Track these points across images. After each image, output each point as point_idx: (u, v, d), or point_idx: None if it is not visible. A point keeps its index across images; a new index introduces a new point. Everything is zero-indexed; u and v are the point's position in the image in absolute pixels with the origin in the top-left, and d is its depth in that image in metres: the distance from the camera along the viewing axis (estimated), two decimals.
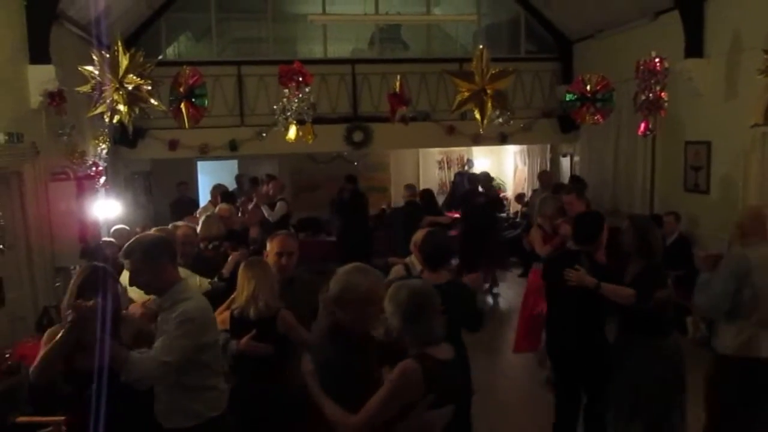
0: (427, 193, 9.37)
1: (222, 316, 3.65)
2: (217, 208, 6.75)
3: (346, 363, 2.61)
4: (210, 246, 5.49)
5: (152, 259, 2.91)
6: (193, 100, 6.19)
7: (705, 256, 4.11)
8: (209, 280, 4.50)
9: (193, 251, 4.77)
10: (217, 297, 4.19)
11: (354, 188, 10.17)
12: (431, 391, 2.46)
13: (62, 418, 3.91)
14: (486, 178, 9.83)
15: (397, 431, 2.48)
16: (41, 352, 2.85)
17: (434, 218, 8.49)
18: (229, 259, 4.71)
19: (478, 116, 6.02)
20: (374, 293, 2.62)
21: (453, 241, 3.91)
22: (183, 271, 4.02)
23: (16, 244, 5.76)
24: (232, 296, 3.80)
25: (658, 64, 6.14)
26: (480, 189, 9.65)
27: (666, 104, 6.26)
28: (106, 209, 7.31)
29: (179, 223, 5.08)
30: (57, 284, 6.33)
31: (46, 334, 3.03)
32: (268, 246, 4.00)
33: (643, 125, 6.53)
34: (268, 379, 3.57)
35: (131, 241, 3.06)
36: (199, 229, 5.78)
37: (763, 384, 3.80)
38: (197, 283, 4.34)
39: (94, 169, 7.11)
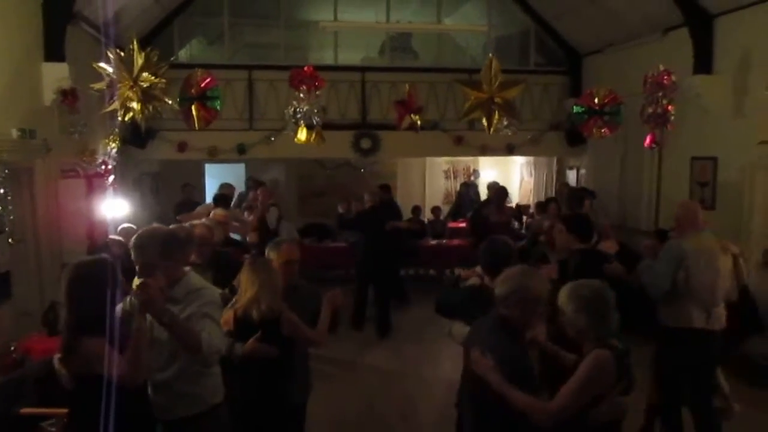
0: (387, 195, 9.30)
1: (226, 317, 3.59)
2: (212, 213, 6.44)
3: (517, 356, 2.81)
4: None
5: (168, 254, 3.01)
6: (206, 102, 6.26)
7: (647, 245, 5.10)
8: (221, 290, 4.41)
9: (208, 251, 4.67)
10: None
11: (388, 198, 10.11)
12: (621, 378, 2.65)
13: (66, 410, 3.95)
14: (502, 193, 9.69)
15: (590, 417, 2.63)
16: (127, 355, 2.61)
17: (396, 223, 8.49)
18: (243, 267, 4.63)
19: (485, 123, 6.07)
20: (542, 294, 2.85)
21: (513, 249, 3.81)
22: (196, 277, 3.80)
23: (25, 238, 5.83)
24: (235, 297, 3.77)
25: (665, 77, 6.18)
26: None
27: (672, 118, 6.29)
28: (114, 208, 7.35)
29: (195, 222, 4.99)
30: None
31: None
32: (272, 254, 3.93)
33: (649, 138, 6.57)
34: (272, 381, 3.58)
35: (142, 233, 3.09)
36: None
37: (697, 349, 4.49)
38: None
39: (103, 167, 7.17)
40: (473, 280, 3.90)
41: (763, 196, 6.80)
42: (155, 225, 3.42)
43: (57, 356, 2.92)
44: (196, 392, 3.04)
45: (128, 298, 3.06)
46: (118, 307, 2.88)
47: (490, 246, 3.81)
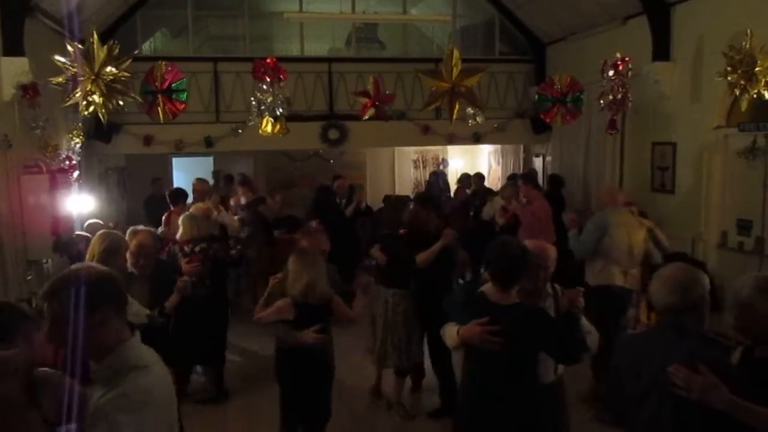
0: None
1: (281, 305, 4.02)
2: (193, 207, 6.41)
3: (725, 362, 2.52)
4: (197, 249, 5.45)
5: (87, 307, 1.95)
6: (173, 95, 6.22)
7: (571, 217, 6.04)
8: (148, 312, 3.96)
9: (150, 262, 4.31)
10: (151, 335, 3.58)
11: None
12: None
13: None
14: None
15: None
16: None
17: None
18: (173, 296, 4.22)
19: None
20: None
21: (528, 252, 3.18)
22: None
23: None
24: (275, 281, 4.20)
25: (620, 64, 6.36)
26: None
27: (630, 103, 6.48)
28: (80, 204, 7.29)
29: (140, 227, 4.54)
30: (29, 277, 6.32)
31: None
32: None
33: (609, 123, 6.77)
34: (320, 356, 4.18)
35: (57, 279, 2.04)
36: (180, 231, 5.63)
37: (616, 305, 5.37)
38: (134, 311, 3.78)
39: (67, 163, 7.10)
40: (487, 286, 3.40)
41: (719, 180, 7.01)
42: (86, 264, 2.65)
43: None
44: None
45: None
46: None
47: (500, 249, 3.11)
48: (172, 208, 6.92)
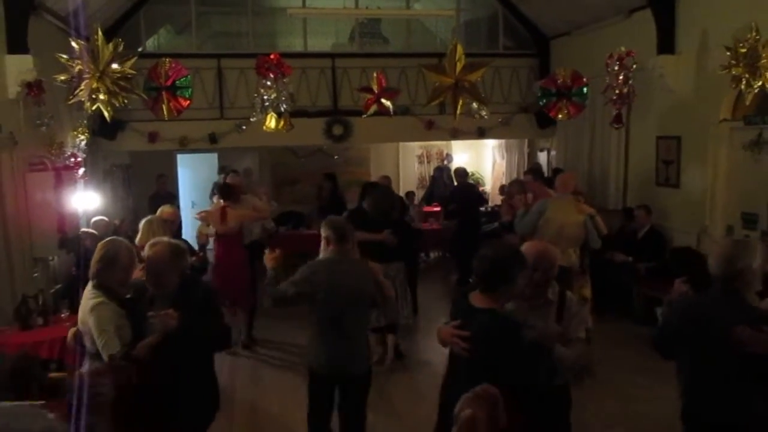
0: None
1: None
2: (159, 211, 5.86)
3: None
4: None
5: None
6: (177, 92, 6.23)
7: (520, 200, 6.72)
8: (114, 352, 3.24)
9: (166, 281, 3.42)
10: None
11: (333, 186, 10.21)
12: None
13: (41, 402, 3.96)
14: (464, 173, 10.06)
15: None
16: None
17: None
18: (151, 336, 3.23)
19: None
20: None
21: (519, 257, 2.96)
22: (98, 321, 3.28)
23: None
24: None
25: (625, 58, 6.35)
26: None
27: (635, 97, 6.46)
28: (85, 201, 7.32)
29: (162, 239, 3.72)
30: (35, 274, 6.35)
31: None
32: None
33: (614, 117, 6.76)
34: None
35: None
36: (138, 238, 5.16)
37: None
38: (101, 343, 3.26)
39: (72, 160, 7.13)
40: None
41: (725, 174, 6.98)
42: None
43: None
44: None
45: None
46: None
47: (487, 252, 2.92)
48: (223, 203, 6.87)
